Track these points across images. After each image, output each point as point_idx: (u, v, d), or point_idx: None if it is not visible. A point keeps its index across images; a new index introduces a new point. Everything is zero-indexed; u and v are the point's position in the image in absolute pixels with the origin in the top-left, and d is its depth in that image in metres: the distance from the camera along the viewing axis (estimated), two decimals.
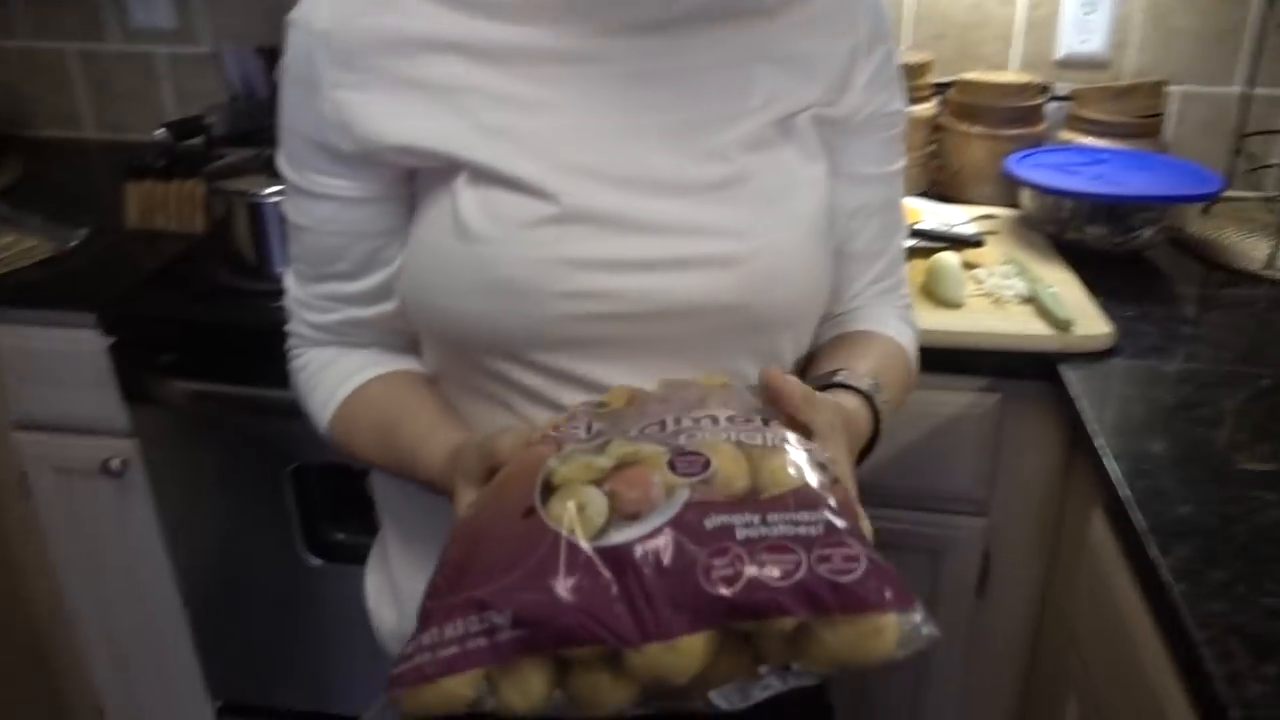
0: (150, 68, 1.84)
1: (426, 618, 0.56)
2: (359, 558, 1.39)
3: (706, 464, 0.56)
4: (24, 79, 1.89)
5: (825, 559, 0.52)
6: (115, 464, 1.39)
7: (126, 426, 1.36)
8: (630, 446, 0.58)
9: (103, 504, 1.46)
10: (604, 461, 0.57)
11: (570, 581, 0.52)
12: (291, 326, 0.83)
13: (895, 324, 0.85)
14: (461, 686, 0.53)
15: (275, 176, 1.23)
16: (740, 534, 0.53)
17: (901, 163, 0.84)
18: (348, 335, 0.80)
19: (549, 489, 0.56)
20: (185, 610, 1.49)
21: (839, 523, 0.54)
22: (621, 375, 0.71)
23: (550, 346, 0.71)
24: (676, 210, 0.70)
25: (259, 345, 1.23)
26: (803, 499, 0.55)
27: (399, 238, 0.75)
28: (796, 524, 0.54)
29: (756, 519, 0.54)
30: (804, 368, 0.82)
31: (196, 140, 1.49)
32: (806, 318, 0.79)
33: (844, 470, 0.62)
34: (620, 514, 0.54)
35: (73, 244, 1.40)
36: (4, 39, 1.86)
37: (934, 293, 1.23)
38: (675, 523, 0.53)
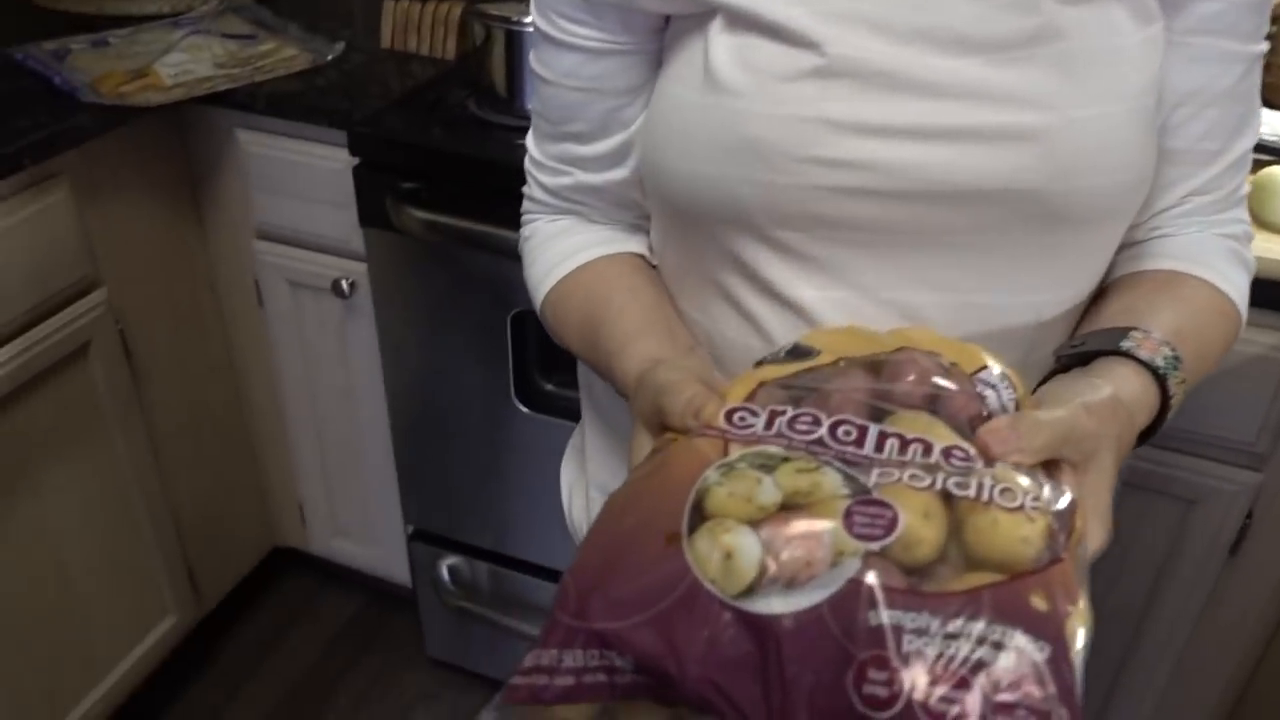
0: None
1: (549, 632, 0.49)
2: (564, 410, 1.40)
3: (892, 523, 0.45)
4: None
5: (1005, 708, 0.41)
6: (345, 284, 1.41)
7: (360, 249, 1.37)
8: (807, 476, 0.47)
9: (329, 321, 1.49)
10: (768, 498, 0.47)
11: (702, 638, 0.44)
12: (526, 189, 0.77)
13: (1221, 263, 0.67)
14: (575, 714, 0.47)
15: None
16: (906, 644, 0.42)
17: (1263, 44, 0.64)
18: (578, 205, 0.74)
19: (700, 513, 0.47)
20: (391, 434, 1.52)
21: (1036, 653, 0.42)
22: (876, 272, 0.60)
23: (795, 224, 0.60)
24: (967, 69, 0.57)
25: (500, 181, 1.18)
26: (1001, 601, 0.43)
27: (640, 97, 0.67)
28: (981, 641, 0.42)
29: (934, 623, 0.42)
30: (1084, 311, 0.67)
31: None
32: (1119, 218, 0.64)
33: (1094, 504, 0.50)
34: (773, 575, 0.45)
35: (329, 58, 1.38)
36: None
37: (1258, 214, 1.06)
38: (834, 604, 0.43)
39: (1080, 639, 0.44)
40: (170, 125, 1.37)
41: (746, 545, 0.45)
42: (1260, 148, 1.15)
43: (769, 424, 0.51)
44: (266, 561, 1.80)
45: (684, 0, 0.61)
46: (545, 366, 1.40)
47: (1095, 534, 0.50)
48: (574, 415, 1.36)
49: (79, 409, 1.33)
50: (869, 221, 0.59)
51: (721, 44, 0.60)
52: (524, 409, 1.39)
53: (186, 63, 1.32)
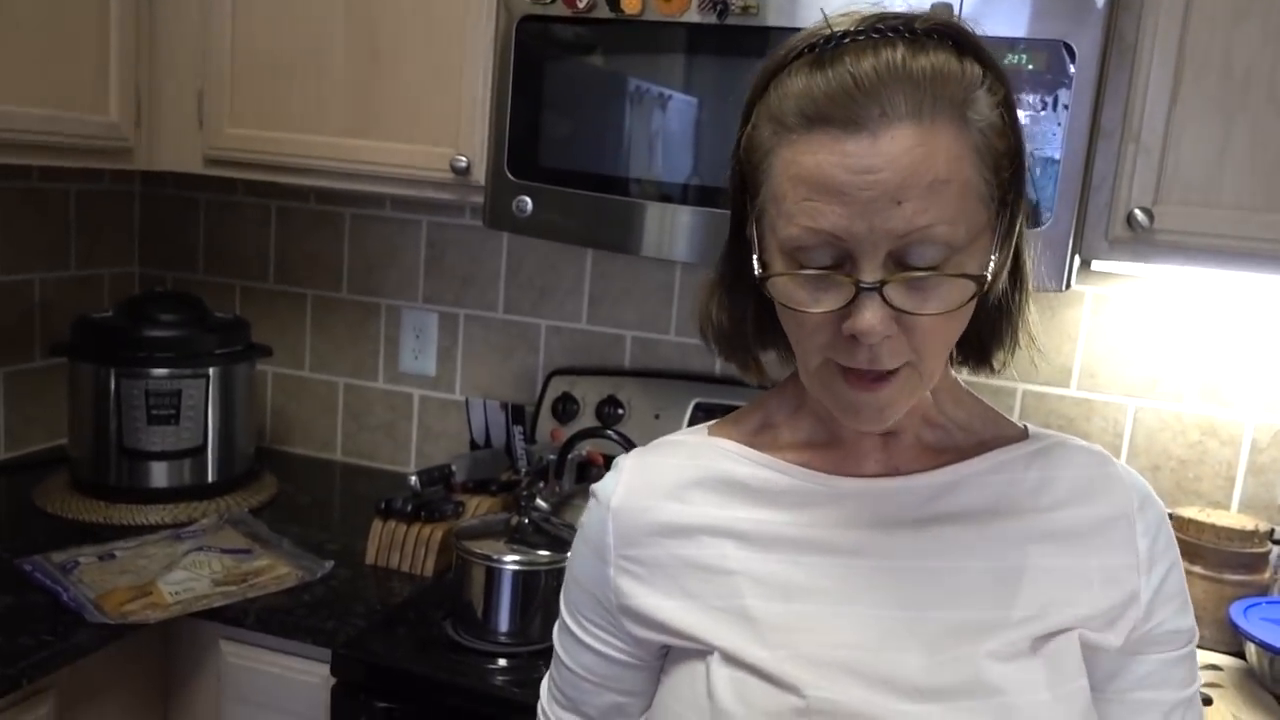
0: (405, 406, 2.06)
1: None
2: None
3: None
4: (296, 404, 2.15)
5: None
6: None
7: None
8: None
9: None
10: None
11: None
12: None
13: None
14: None
15: (515, 541, 1.34)
16: None
17: (1194, 687, 0.77)
18: None
19: None
20: None
21: None
22: None
23: None
24: (924, 714, 0.69)
25: (472, 707, 1.28)
26: None
27: (642, 699, 0.81)
28: None
29: None
30: None
31: (437, 487, 1.63)
32: None
33: None
34: None
35: (319, 575, 1.52)
36: (293, 370, 2.13)
37: None
38: None
39: None
40: (157, 636, 1.46)
41: None
42: None
43: None
44: None
45: (689, 639, 0.75)
46: None
47: None
48: None
49: None
50: None
51: (722, 676, 0.72)
52: None
53: (187, 580, 1.44)
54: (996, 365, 0.78)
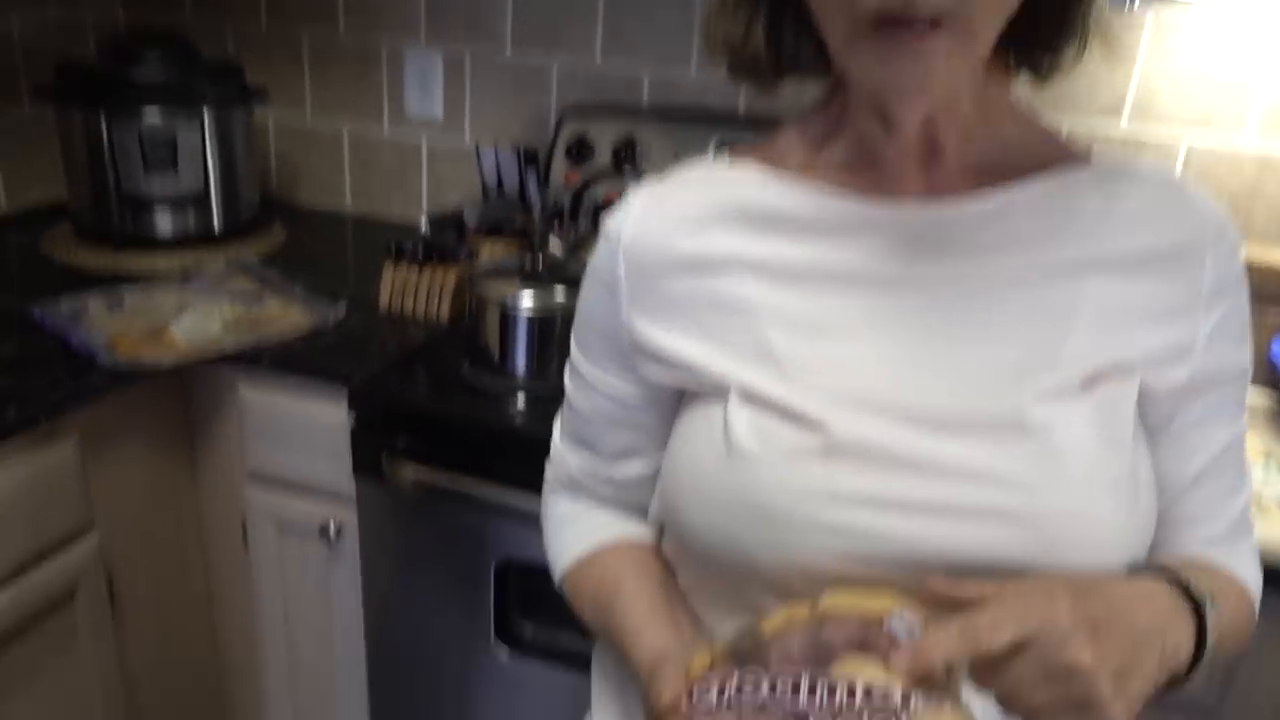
0: (414, 155, 1.97)
1: None
2: (545, 655, 1.42)
3: None
4: (301, 154, 2.05)
5: None
6: (332, 530, 1.45)
7: (349, 496, 1.42)
8: None
9: (313, 565, 1.52)
10: None
11: None
12: (550, 470, 0.87)
13: (1240, 563, 0.73)
14: None
15: (530, 283, 1.30)
16: None
17: (1242, 425, 0.72)
18: (599, 492, 0.83)
19: None
20: (368, 678, 1.53)
21: None
22: None
23: (800, 577, 0.66)
24: (957, 452, 0.64)
25: (490, 441, 1.28)
26: None
27: (656, 442, 0.77)
28: None
29: None
30: None
31: (449, 232, 1.57)
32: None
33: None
34: None
35: (333, 321, 1.49)
36: (296, 118, 2.02)
37: None
38: None
39: None
40: (175, 380, 1.45)
41: None
42: None
43: (720, 695, 0.58)
44: None
45: (704, 377, 0.70)
46: (529, 608, 1.44)
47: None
48: (556, 659, 1.40)
49: (57, 650, 1.34)
50: (869, 581, 0.63)
51: (742, 417, 0.67)
52: (504, 656, 1.41)
53: (200, 323, 1.41)
54: (1060, 64, 0.68)
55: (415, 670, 1.49)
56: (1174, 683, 0.62)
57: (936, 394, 0.65)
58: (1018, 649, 0.54)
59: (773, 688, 0.57)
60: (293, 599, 1.57)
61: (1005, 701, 0.56)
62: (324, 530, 1.46)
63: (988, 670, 0.56)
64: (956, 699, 0.56)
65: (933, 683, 0.55)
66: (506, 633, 1.42)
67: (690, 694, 0.60)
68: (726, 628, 0.70)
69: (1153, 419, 0.68)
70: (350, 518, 1.44)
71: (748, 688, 0.58)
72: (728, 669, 0.60)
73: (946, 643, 0.54)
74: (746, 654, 0.61)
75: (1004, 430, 0.64)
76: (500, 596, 1.39)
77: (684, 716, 0.59)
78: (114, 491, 1.40)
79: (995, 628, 0.54)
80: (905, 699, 0.55)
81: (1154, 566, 0.66)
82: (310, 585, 1.54)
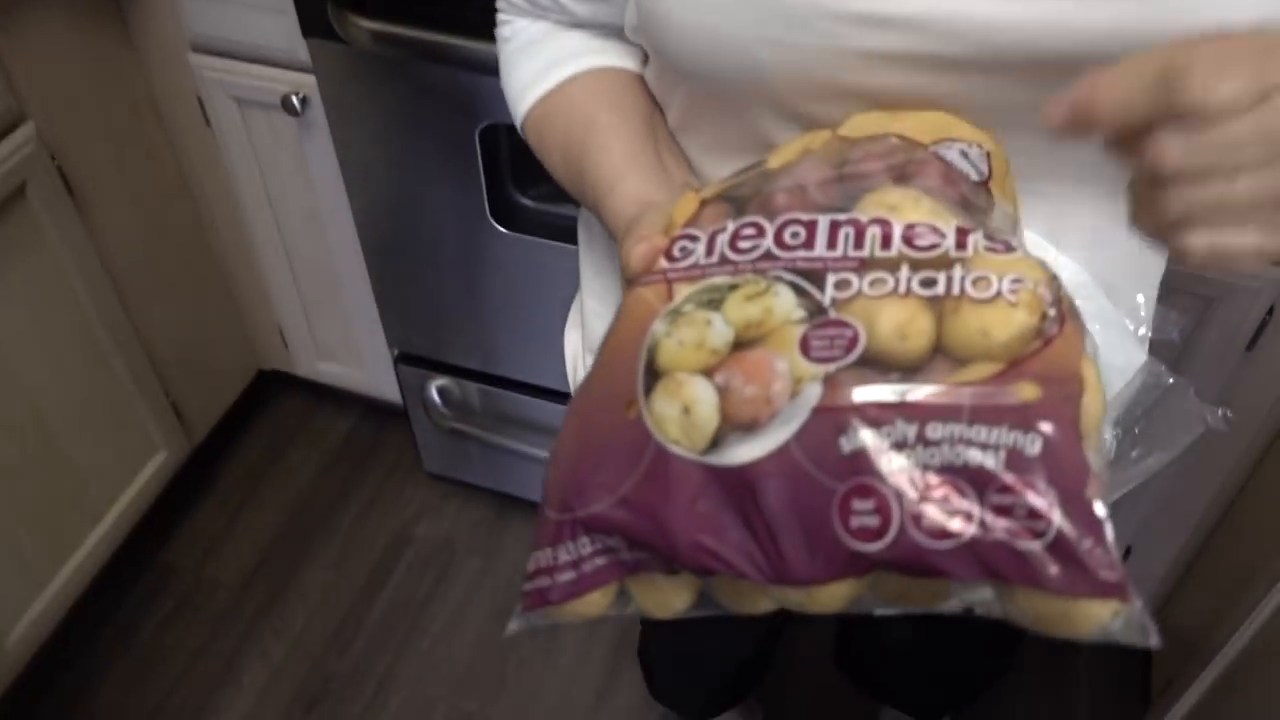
0: None
1: (540, 531, 0.46)
2: (542, 228, 1.32)
3: (853, 342, 0.40)
4: None
5: (1003, 510, 0.37)
6: (295, 100, 1.29)
7: (305, 61, 1.24)
8: (757, 302, 0.41)
9: (284, 140, 1.38)
10: (719, 339, 0.41)
11: (681, 503, 0.41)
12: None
13: None
14: (590, 607, 0.45)
15: None
16: (886, 464, 0.38)
17: None
18: (565, 7, 0.62)
19: (653, 371, 0.42)
20: (364, 257, 1.45)
21: (1029, 446, 0.37)
22: None
23: (824, 98, 0.49)
24: None
25: None
26: (983, 398, 0.38)
27: None
28: (965, 443, 0.37)
29: (910, 432, 0.38)
30: None
31: None
32: None
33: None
34: (733, 421, 0.40)
35: None
36: None
37: None
38: (802, 438, 0.39)
39: (1090, 422, 0.38)
40: None
41: (702, 396, 0.41)
42: None
43: (709, 248, 0.45)
44: (253, 386, 1.77)
45: None
46: (523, 180, 1.31)
47: None
48: (553, 232, 1.29)
49: (26, 253, 1.25)
50: (913, 97, 0.48)
51: None
52: (501, 228, 1.31)
53: None
54: None
55: (411, 248, 1.40)
56: None
57: None
58: (1236, 107, 0.34)
59: (779, 235, 0.43)
60: (271, 179, 1.45)
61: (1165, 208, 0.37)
62: (287, 101, 1.29)
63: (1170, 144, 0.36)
64: (1024, 248, 0.43)
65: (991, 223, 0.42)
66: (501, 208, 1.30)
67: (670, 251, 0.46)
68: (726, 173, 0.53)
69: None
70: (313, 85, 1.27)
71: (745, 240, 0.44)
72: (721, 216, 0.46)
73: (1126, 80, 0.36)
74: (746, 200, 0.46)
75: None
76: (493, 166, 1.26)
77: (661, 276, 0.45)
78: (43, 77, 1.22)
79: (1213, 76, 0.35)
80: (961, 239, 0.41)
81: None
82: (287, 163, 1.41)
